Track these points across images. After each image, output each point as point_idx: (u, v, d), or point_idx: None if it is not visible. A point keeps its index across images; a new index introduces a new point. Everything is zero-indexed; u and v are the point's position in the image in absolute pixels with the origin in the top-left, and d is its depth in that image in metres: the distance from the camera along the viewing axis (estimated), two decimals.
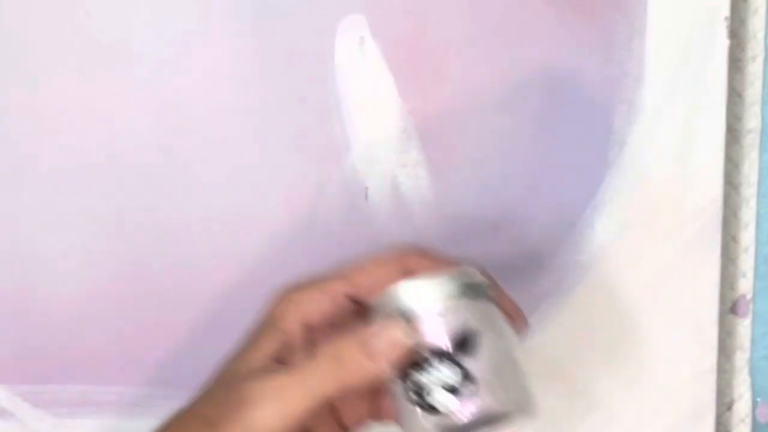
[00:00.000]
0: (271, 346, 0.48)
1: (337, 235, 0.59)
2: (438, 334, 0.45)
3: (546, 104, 0.59)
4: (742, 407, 0.67)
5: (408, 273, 0.49)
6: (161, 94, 0.56)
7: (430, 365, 0.45)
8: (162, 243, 0.58)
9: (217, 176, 0.57)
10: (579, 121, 0.60)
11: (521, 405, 0.46)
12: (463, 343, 0.45)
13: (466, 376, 0.45)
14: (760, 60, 0.62)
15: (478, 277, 0.47)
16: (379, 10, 0.56)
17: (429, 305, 0.45)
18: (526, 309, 0.61)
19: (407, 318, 0.45)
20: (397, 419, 0.47)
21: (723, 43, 0.60)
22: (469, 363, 0.45)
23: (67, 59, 0.55)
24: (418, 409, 0.45)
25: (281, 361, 0.48)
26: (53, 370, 0.59)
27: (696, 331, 0.63)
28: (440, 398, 0.45)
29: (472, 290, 0.46)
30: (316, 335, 0.49)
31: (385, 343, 0.45)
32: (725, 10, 0.59)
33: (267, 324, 0.49)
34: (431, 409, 0.45)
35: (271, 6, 0.55)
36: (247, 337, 0.50)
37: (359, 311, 0.49)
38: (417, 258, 0.50)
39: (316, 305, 0.49)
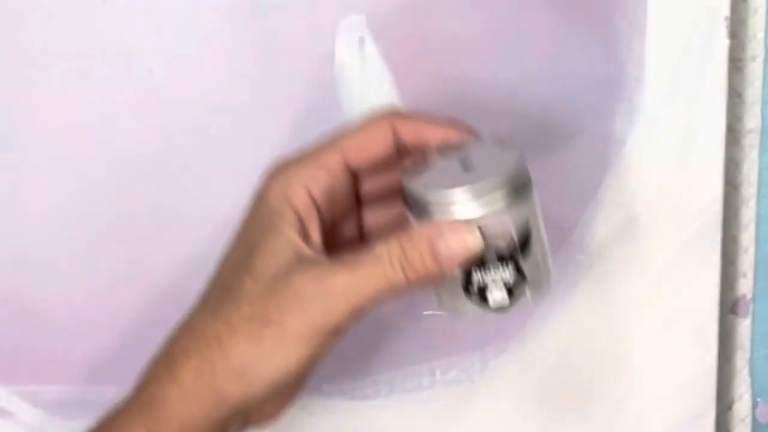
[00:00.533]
0: (293, 231, 0.46)
1: None
2: (502, 237, 0.46)
3: (546, 104, 0.60)
4: (742, 407, 0.67)
5: (397, 140, 0.48)
6: (160, 94, 0.56)
7: (491, 265, 0.47)
8: (162, 243, 0.58)
9: (217, 176, 0.57)
10: (579, 120, 0.60)
11: (548, 287, 0.49)
12: (522, 244, 0.47)
13: (520, 275, 0.47)
14: (760, 60, 0.62)
15: (525, 166, 0.48)
16: (379, 10, 0.56)
17: (492, 206, 0.46)
18: (526, 309, 0.62)
19: (469, 217, 0.45)
20: (439, 292, 0.48)
21: (723, 43, 0.60)
22: (523, 263, 0.47)
23: (65, 58, 0.55)
24: (471, 299, 0.47)
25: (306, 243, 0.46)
26: (53, 370, 0.59)
27: (696, 331, 0.63)
28: (496, 296, 0.47)
29: (525, 185, 0.47)
30: (325, 212, 0.48)
31: (454, 247, 0.45)
32: (725, 10, 0.59)
33: (275, 206, 0.47)
34: (483, 301, 0.47)
35: (270, 6, 0.55)
36: (254, 225, 0.47)
37: (352, 179, 0.49)
38: (405, 122, 0.49)
39: (317, 180, 0.47)
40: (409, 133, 0.49)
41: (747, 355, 0.66)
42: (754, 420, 0.67)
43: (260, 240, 0.46)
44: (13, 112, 0.55)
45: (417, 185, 0.47)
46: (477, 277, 0.47)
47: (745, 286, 0.66)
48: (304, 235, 0.46)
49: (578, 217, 0.61)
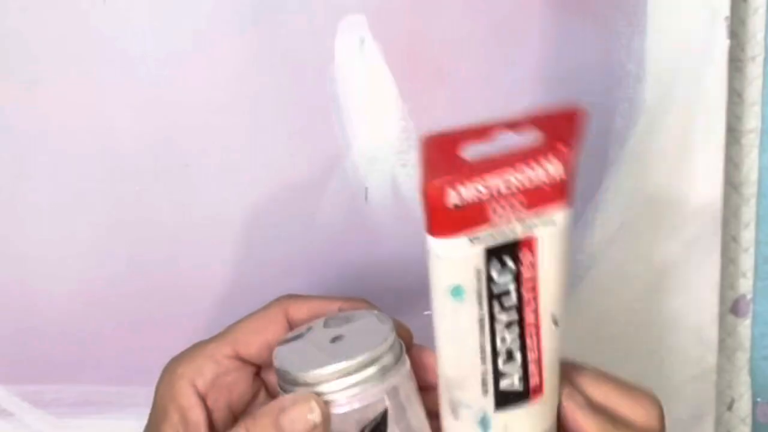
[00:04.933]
0: (174, 429, 0.47)
1: (337, 235, 0.59)
2: (350, 421, 0.44)
3: (546, 104, 0.59)
4: (742, 407, 0.67)
5: (291, 323, 0.49)
6: (160, 94, 0.56)
7: None
8: (162, 243, 0.58)
9: (216, 176, 0.57)
10: None
11: None
12: (378, 424, 0.45)
13: None
14: (760, 60, 0.62)
15: (393, 344, 0.46)
16: (379, 10, 0.56)
17: (343, 387, 0.44)
18: None
19: (319, 393, 0.44)
20: None
21: (723, 43, 0.60)
22: None
23: (66, 58, 0.55)
24: None
25: None
26: (53, 370, 0.59)
27: (696, 331, 0.63)
28: None
29: (384, 366, 0.45)
30: (214, 403, 0.48)
31: (297, 422, 0.44)
32: (725, 10, 0.59)
33: (163, 406, 0.48)
34: None
35: (270, 6, 0.55)
36: (150, 423, 0.48)
37: (250, 368, 0.49)
38: (298, 304, 0.49)
39: (205, 374, 0.48)
40: (303, 315, 0.49)
41: (747, 355, 0.66)
42: (754, 420, 0.67)
43: None
44: (14, 112, 0.55)
45: (277, 359, 0.46)
46: None
47: (745, 286, 0.66)
48: (187, 431, 0.47)
49: (578, 217, 0.61)
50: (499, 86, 0.59)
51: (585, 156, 0.61)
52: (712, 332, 0.64)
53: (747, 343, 0.66)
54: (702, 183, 0.61)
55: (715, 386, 0.64)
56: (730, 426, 0.67)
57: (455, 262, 0.42)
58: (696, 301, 0.63)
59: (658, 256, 0.62)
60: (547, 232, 0.43)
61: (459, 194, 0.41)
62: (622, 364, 0.63)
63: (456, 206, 0.41)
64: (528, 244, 0.43)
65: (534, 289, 0.44)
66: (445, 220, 0.41)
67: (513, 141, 0.42)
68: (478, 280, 0.43)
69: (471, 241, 0.42)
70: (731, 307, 0.66)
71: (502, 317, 0.44)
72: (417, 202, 0.59)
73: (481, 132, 0.42)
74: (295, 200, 0.58)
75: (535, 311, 0.44)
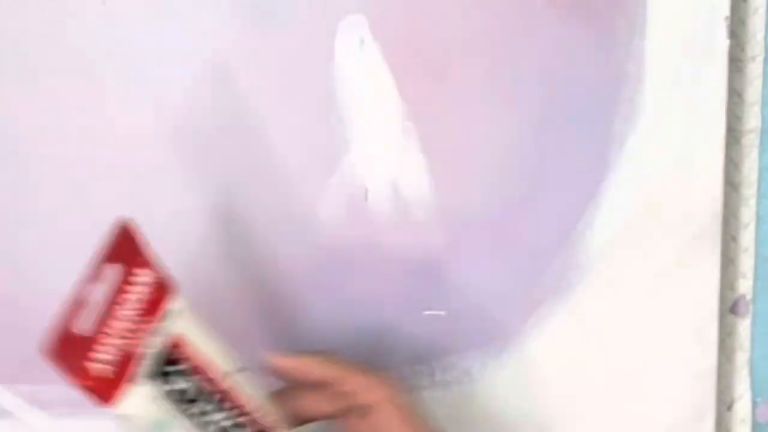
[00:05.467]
0: None
1: (337, 236, 0.59)
2: None
3: (546, 104, 0.59)
4: (742, 407, 0.67)
5: None
6: (160, 94, 0.56)
7: None
8: (161, 242, 0.58)
9: (216, 176, 0.57)
10: (579, 121, 0.60)
11: None
12: None
13: None
14: (760, 60, 0.62)
15: None
16: (379, 10, 0.56)
17: None
18: (526, 309, 0.61)
19: None
20: None
21: (723, 43, 0.60)
22: None
23: (66, 58, 0.55)
24: None
25: None
26: (53, 370, 0.59)
27: (696, 331, 0.63)
28: None
29: None
30: None
31: None
32: (725, 10, 0.59)
33: None
34: None
35: (270, 6, 0.55)
36: None
37: None
38: None
39: None
40: None
41: (747, 355, 0.66)
42: (754, 420, 0.67)
43: None
44: (14, 113, 0.55)
45: None
46: None
47: (745, 286, 0.66)
48: None
49: (578, 217, 0.61)
50: (499, 86, 0.59)
51: (585, 156, 0.61)
52: (712, 332, 0.64)
53: (747, 343, 0.66)
54: (702, 183, 0.61)
55: (715, 386, 0.64)
56: (730, 426, 0.67)
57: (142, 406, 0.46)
58: (696, 301, 0.63)
59: (658, 256, 0.62)
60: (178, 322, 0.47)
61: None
62: (622, 364, 0.63)
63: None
64: (176, 343, 0.47)
65: (203, 368, 0.47)
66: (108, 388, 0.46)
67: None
68: (167, 403, 0.46)
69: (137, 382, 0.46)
70: (731, 307, 0.66)
71: (206, 410, 0.47)
72: (417, 202, 0.59)
73: (78, 305, 0.47)
74: (295, 200, 0.58)
75: (217, 380, 0.48)
